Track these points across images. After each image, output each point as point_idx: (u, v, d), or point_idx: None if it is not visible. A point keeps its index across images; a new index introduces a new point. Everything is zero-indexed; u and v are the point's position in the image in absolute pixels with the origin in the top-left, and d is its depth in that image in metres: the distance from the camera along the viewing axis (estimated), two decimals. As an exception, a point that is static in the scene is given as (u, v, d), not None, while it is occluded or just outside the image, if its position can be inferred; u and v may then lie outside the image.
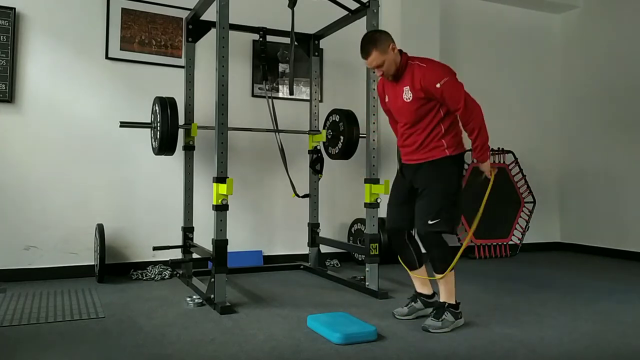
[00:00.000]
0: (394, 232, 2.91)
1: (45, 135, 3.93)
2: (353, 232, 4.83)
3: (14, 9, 3.84)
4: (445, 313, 2.70)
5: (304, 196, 4.08)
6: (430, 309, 2.82)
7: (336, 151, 4.26)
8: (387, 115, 3.07)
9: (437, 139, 2.73)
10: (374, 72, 3.54)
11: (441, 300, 2.78)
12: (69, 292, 3.44)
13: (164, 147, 3.62)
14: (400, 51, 2.81)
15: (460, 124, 2.78)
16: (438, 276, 2.75)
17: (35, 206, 3.89)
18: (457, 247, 2.98)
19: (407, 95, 2.72)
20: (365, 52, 2.74)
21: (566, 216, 6.06)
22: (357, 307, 3.14)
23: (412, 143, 2.80)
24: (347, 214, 4.91)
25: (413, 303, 2.91)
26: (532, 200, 5.65)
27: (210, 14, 3.50)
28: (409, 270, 2.96)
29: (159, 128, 3.61)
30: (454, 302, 2.76)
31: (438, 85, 2.63)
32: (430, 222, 2.65)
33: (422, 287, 2.95)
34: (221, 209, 3.07)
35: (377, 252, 3.50)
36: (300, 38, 4.35)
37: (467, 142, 2.85)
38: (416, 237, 2.89)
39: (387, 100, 2.92)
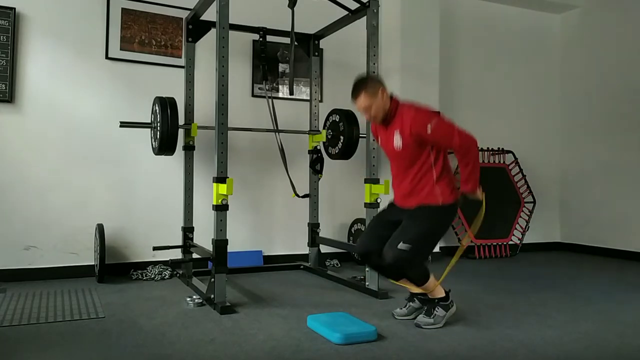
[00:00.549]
0: (364, 255, 2.82)
1: (45, 135, 3.93)
2: (353, 232, 4.83)
3: (14, 9, 3.84)
4: (436, 309, 2.74)
5: (304, 196, 4.08)
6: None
7: (336, 151, 4.26)
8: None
9: (430, 185, 2.71)
10: (374, 73, 3.55)
11: (430, 297, 2.79)
12: (69, 292, 3.44)
13: (164, 147, 3.63)
14: (392, 97, 2.80)
15: (450, 167, 2.81)
16: (422, 289, 2.76)
17: (35, 206, 3.89)
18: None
19: (398, 142, 2.73)
20: (354, 93, 2.77)
21: (566, 216, 6.06)
22: (357, 307, 3.13)
23: (405, 188, 2.79)
24: (347, 214, 4.91)
25: (410, 303, 2.91)
26: (532, 200, 5.65)
27: (210, 14, 3.50)
28: (396, 282, 2.93)
29: (159, 128, 3.61)
30: (444, 295, 2.77)
31: (429, 128, 2.63)
32: (399, 247, 2.59)
33: (416, 288, 2.94)
34: (221, 209, 3.07)
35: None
36: (300, 38, 4.35)
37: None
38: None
39: (379, 142, 2.96)
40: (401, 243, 2.59)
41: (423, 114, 2.71)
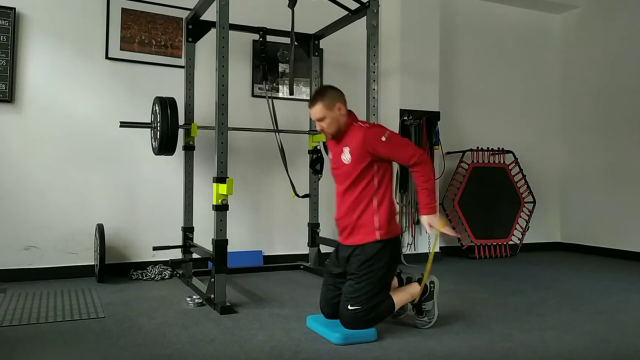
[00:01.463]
0: (327, 317, 2.72)
1: (45, 135, 3.93)
2: (353, 232, 4.81)
3: (14, 9, 3.84)
4: (423, 305, 2.73)
5: (304, 196, 4.08)
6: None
7: (336, 151, 4.25)
8: None
9: (369, 213, 2.63)
10: (374, 73, 3.56)
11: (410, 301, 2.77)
12: (69, 292, 3.44)
13: (164, 147, 3.63)
14: (350, 113, 2.73)
15: (393, 201, 2.71)
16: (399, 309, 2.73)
17: (35, 206, 3.89)
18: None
19: (346, 156, 2.66)
20: (311, 101, 2.73)
21: (566, 216, 6.06)
22: (357, 307, 3.13)
23: (345, 212, 2.70)
24: (347, 214, 4.90)
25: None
26: (532, 200, 5.65)
27: (210, 14, 3.51)
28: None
29: (159, 128, 3.61)
30: (419, 288, 2.73)
31: (383, 139, 2.56)
32: (350, 308, 2.52)
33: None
34: (221, 209, 3.07)
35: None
36: (300, 38, 4.35)
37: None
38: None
39: (330, 158, 2.86)
40: (349, 305, 2.53)
41: (378, 127, 2.70)
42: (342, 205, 2.73)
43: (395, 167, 4.82)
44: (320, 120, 2.69)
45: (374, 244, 2.61)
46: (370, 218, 2.64)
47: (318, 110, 2.67)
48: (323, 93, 2.71)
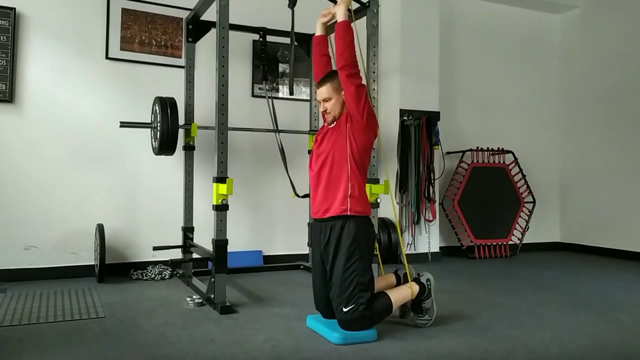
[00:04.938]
0: (324, 317, 2.72)
1: (45, 135, 3.94)
2: (353, 232, 4.81)
3: (14, 9, 3.84)
4: (422, 303, 2.72)
5: (304, 196, 4.07)
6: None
7: (336, 151, 4.25)
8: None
9: (345, 183, 2.60)
10: (374, 73, 3.56)
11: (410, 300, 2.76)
12: (69, 292, 3.44)
13: (164, 147, 3.63)
14: None
15: (365, 187, 2.72)
16: (399, 307, 2.73)
17: (35, 206, 3.89)
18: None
19: (335, 124, 2.71)
20: (321, 81, 2.77)
21: (566, 216, 6.06)
22: (357, 307, 3.13)
23: (322, 193, 2.66)
24: (347, 214, 4.90)
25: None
26: (532, 200, 5.65)
27: (210, 14, 3.51)
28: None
29: (159, 128, 3.62)
30: (417, 287, 2.72)
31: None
32: (344, 310, 2.49)
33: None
34: (221, 209, 3.08)
35: (377, 252, 3.50)
36: (300, 38, 4.35)
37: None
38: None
39: (317, 141, 2.82)
40: (343, 308, 2.50)
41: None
42: (318, 188, 2.70)
43: (395, 166, 4.83)
44: (326, 101, 2.73)
45: (348, 223, 2.58)
46: (345, 190, 2.61)
47: (325, 90, 2.73)
48: (333, 76, 2.75)
